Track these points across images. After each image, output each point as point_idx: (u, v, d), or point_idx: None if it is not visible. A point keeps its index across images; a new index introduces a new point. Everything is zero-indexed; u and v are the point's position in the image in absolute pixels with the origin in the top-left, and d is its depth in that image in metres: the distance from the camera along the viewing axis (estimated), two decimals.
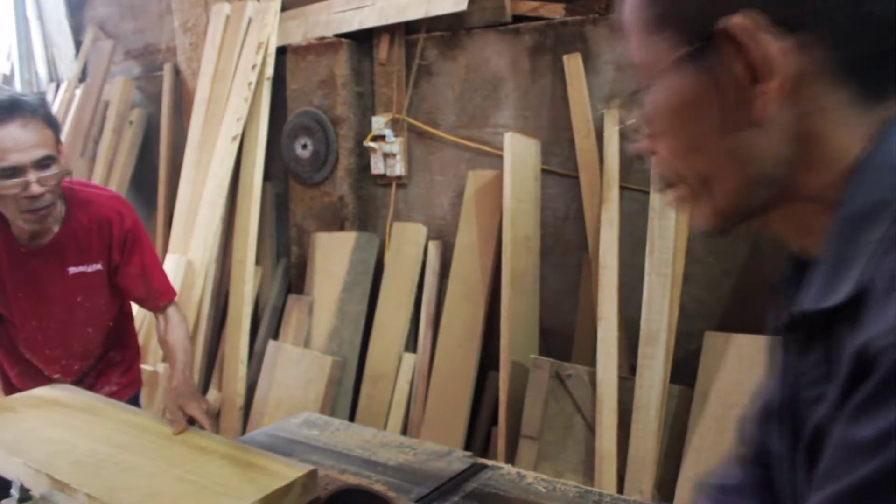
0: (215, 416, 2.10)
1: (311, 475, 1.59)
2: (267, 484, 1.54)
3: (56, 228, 1.97)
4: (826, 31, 0.59)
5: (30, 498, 1.60)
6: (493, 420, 2.94)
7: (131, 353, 2.33)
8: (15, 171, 1.75)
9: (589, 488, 1.67)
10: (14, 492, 1.60)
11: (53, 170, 1.82)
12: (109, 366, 2.26)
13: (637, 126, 0.73)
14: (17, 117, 1.75)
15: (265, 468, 1.63)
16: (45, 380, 2.14)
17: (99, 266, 2.05)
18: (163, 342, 2.13)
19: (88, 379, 2.21)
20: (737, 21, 0.60)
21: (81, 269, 2.03)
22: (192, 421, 1.84)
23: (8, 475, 1.76)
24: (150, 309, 2.17)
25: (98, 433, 1.83)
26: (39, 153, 1.77)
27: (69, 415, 1.95)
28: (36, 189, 1.77)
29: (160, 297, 2.14)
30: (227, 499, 1.47)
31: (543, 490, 1.68)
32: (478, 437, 2.95)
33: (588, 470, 2.58)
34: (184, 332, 2.13)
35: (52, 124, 1.84)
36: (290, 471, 1.59)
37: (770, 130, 0.63)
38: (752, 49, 0.60)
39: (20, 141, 1.74)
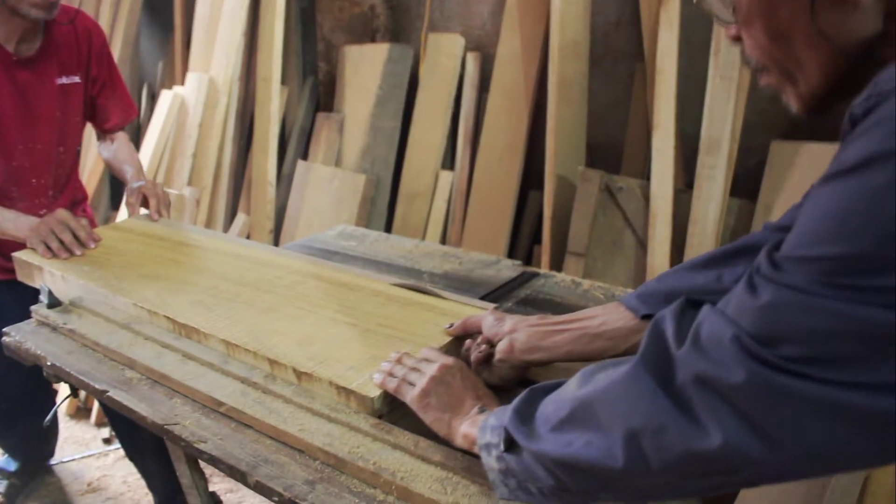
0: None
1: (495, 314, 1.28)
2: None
3: (40, 39, 1.97)
4: None
5: (59, 304, 1.54)
6: (536, 239, 2.82)
7: (84, 192, 2.33)
8: None
9: None
10: (43, 298, 1.55)
11: None
12: (75, 204, 2.22)
13: (721, 13, 0.74)
14: None
15: (435, 307, 1.33)
16: None
17: (77, 78, 2.06)
18: (114, 158, 2.16)
19: None
20: None
21: (64, 80, 2.03)
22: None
23: (34, 284, 1.70)
24: (109, 130, 2.18)
25: (212, 269, 1.58)
26: None
27: (170, 248, 1.72)
28: None
29: (128, 112, 2.19)
30: (407, 345, 1.17)
31: (602, 297, 1.57)
32: (519, 255, 2.84)
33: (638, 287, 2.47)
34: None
35: None
36: (465, 309, 1.30)
37: (863, 7, 0.64)
38: None
39: None
